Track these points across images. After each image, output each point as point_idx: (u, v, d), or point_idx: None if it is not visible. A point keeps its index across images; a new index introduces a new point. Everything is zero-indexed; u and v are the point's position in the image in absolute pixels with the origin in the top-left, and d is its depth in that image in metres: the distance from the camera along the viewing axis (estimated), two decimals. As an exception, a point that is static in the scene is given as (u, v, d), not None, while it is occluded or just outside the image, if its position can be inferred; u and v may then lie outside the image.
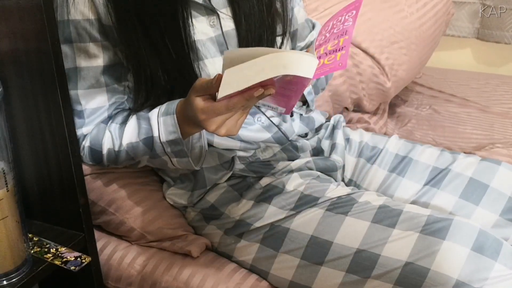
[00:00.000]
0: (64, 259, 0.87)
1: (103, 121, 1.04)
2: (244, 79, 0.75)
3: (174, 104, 0.93)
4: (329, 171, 1.15)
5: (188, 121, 0.90)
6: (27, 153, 0.91)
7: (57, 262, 0.86)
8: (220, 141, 1.07)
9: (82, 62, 0.98)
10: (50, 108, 0.85)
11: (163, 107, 0.95)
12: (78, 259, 0.88)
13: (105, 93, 1.02)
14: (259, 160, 1.12)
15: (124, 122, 1.01)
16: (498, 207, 1.05)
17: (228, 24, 1.03)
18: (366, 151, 1.19)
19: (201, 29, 1.00)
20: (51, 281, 0.96)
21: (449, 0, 1.82)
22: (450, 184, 1.08)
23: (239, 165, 1.10)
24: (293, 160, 1.13)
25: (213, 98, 0.81)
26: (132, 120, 1.00)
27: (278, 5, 1.07)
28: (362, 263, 0.94)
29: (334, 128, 1.24)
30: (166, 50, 0.96)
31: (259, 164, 1.11)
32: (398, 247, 0.93)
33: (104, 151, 1.02)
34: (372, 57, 1.56)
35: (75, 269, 0.86)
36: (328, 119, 1.27)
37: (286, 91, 0.84)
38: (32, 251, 0.88)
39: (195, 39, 0.99)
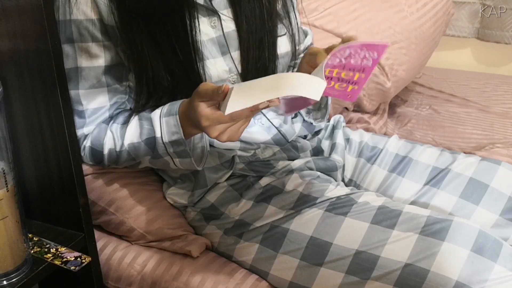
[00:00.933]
0: (64, 259, 0.87)
1: (104, 121, 1.04)
2: (252, 98, 0.77)
3: (176, 105, 0.94)
4: (329, 171, 1.15)
5: (190, 123, 0.90)
6: (27, 153, 0.91)
7: (57, 262, 0.86)
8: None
9: (84, 62, 0.98)
10: (50, 108, 0.85)
11: (165, 107, 0.95)
12: (78, 259, 0.88)
13: (106, 93, 1.02)
14: (259, 159, 1.12)
15: (126, 122, 1.01)
16: (498, 207, 1.05)
17: (229, 25, 1.03)
18: (366, 151, 1.19)
19: (203, 29, 1.00)
20: (51, 281, 0.95)
21: (449, 0, 1.82)
22: (450, 184, 1.08)
23: (239, 164, 1.10)
24: (293, 160, 1.13)
25: (217, 105, 0.83)
26: (134, 121, 1.00)
27: (279, 6, 1.07)
28: (362, 265, 0.94)
29: (334, 128, 1.24)
30: (171, 51, 0.96)
31: (259, 164, 1.11)
32: (398, 248, 0.93)
33: (105, 151, 1.02)
34: (372, 57, 1.56)
35: (75, 269, 0.86)
36: (328, 119, 1.27)
37: (291, 102, 0.85)
38: (32, 251, 0.88)
39: (199, 40, 0.99)
